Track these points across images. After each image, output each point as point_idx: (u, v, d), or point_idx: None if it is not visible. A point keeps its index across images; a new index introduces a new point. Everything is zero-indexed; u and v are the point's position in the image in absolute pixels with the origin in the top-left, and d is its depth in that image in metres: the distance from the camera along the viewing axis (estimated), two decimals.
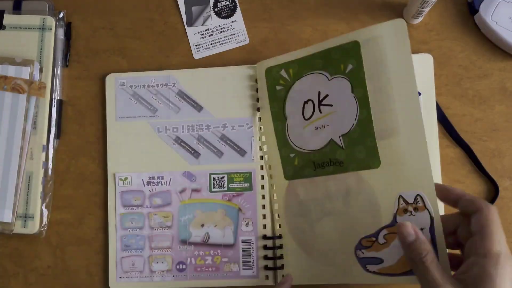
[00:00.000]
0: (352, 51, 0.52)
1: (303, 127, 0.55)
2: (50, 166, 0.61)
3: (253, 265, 0.58)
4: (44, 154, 0.60)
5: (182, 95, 0.61)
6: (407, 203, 0.50)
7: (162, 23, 0.63)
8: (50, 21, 0.61)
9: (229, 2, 0.63)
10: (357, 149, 0.52)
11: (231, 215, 0.59)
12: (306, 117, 0.55)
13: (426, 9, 0.58)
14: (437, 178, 0.57)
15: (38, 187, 0.59)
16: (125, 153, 0.60)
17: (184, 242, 0.59)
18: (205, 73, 0.61)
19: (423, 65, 0.59)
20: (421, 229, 0.49)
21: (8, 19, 0.61)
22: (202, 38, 0.63)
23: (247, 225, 0.59)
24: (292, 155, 0.56)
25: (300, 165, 0.56)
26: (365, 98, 0.51)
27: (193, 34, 0.63)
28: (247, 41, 0.62)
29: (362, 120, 0.51)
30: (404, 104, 0.50)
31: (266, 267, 0.58)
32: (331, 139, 0.54)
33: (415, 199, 0.50)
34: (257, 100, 0.60)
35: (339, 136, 0.53)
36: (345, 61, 0.52)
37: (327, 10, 0.62)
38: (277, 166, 0.58)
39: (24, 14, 0.62)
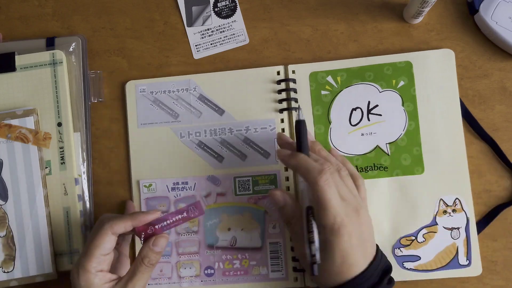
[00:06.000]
0: (404, 69, 0.59)
1: (348, 132, 0.59)
2: (87, 199, 0.60)
3: (281, 267, 0.58)
4: (77, 187, 0.59)
5: (203, 99, 0.61)
6: (446, 205, 0.57)
7: (162, 23, 0.63)
8: (60, 54, 0.60)
9: (229, 2, 0.63)
10: (403, 156, 0.57)
11: (257, 218, 0.59)
12: (353, 124, 0.59)
13: (426, 9, 0.58)
14: (465, 173, 0.58)
15: (77, 221, 0.58)
16: (148, 160, 0.60)
17: (211, 246, 0.59)
18: (225, 76, 0.61)
19: (445, 61, 0.59)
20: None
21: (18, 60, 0.60)
22: (202, 38, 0.63)
23: (274, 227, 0.59)
24: None
25: None
26: (415, 112, 0.58)
27: (193, 34, 0.63)
28: (247, 41, 0.62)
29: (411, 131, 0.58)
30: (447, 120, 0.58)
31: (295, 269, 0.58)
32: (377, 145, 0.58)
33: (454, 202, 0.57)
34: (279, 101, 0.60)
35: (386, 144, 0.58)
36: (397, 78, 0.59)
37: (327, 10, 0.62)
38: None
39: (33, 53, 0.61)
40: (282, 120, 0.60)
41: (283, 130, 0.60)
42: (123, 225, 0.50)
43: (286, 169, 0.59)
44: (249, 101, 0.60)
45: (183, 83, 0.61)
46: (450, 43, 0.60)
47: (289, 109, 0.59)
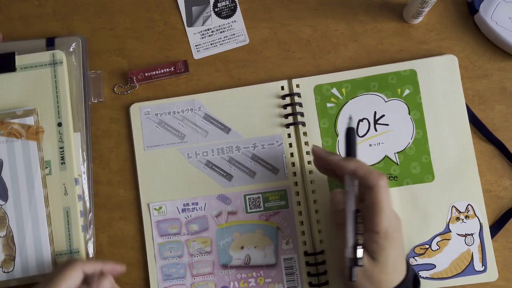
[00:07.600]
0: (409, 78, 0.59)
1: (356, 144, 0.57)
2: (87, 199, 0.60)
3: (297, 283, 0.58)
4: (77, 187, 0.59)
5: (209, 118, 0.61)
6: (459, 212, 0.57)
7: (162, 23, 0.63)
8: (60, 54, 0.60)
9: (229, 2, 0.63)
10: (412, 165, 0.58)
11: (270, 235, 0.59)
12: (361, 135, 0.59)
13: (426, 9, 0.58)
14: (475, 178, 0.58)
15: (77, 221, 0.58)
16: (157, 182, 0.60)
17: (225, 266, 0.59)
18: (229, 94, 0.61)
19: (449, 67, 0.59)
20: (471, 234, 0.57)
21: (18, 60, 0.60)
22: (202, 38, 0.63)
23: (287, 243, 0.58)
24: None
25: None
26: (422, 120, 0.58)
27: (193, 34, 0.63)
28: (247, 41, 0.62)
29: (419, 139, 0.58)
30: (455, 127, 0.58)
31: (311, 284, 0.57)
32: (386, 155, 0.58)
33: (466, 208, 0.57)
34: (285, 116, 0.60)
35: (395, 153, 0.58)
36: (402, 86, 0.59)
37: (327, 10, 0.62)
38: (322, 181, 0.58)
39: (34, 53, 0.61)
40: (289, 135, 0.60)
41: (290, 145, 0.59)
42: (93, 266, 0.53)
43: (296, 184, 0.59)
44: (254, 117, 0.60)
45: (188, 104, 0.61)
46: (450, 43, 0.61)
47: (295, 123, 0.59)
